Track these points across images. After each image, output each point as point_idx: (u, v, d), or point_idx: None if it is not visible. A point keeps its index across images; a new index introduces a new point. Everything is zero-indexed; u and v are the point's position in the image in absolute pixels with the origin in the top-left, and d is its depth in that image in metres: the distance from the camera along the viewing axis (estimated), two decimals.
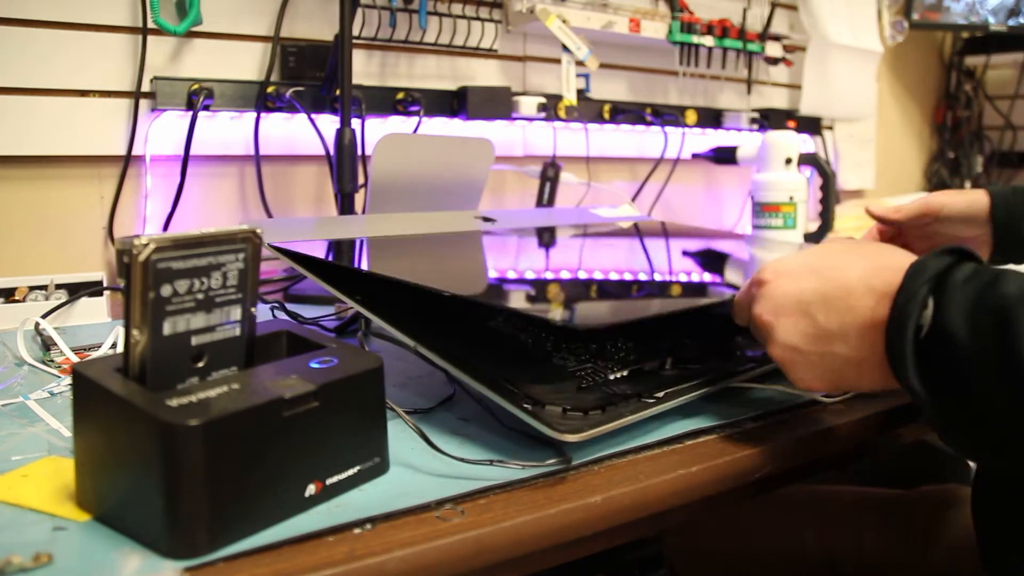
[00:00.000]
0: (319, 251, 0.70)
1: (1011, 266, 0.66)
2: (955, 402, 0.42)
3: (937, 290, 0.43)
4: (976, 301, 0.41)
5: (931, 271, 0.44)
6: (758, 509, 0.80)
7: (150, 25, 0.98)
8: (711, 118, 1.57)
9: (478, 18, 1.25)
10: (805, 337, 0.49)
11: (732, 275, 0.90)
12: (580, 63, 1.27)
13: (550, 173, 1.30)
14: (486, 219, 0.90)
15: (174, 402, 0.39)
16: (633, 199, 1.51)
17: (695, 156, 1.54)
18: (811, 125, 1.70)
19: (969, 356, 0.40)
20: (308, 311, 0.82)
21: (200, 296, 0.42)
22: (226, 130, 1.09)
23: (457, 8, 1.23)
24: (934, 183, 2.09)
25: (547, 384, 0.56)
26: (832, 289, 0.48)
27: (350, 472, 0.45)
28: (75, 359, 0.70)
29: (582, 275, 0.75)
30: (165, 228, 1.04)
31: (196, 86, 1.03)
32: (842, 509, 0.79)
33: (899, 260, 0.47)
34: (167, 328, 0.41)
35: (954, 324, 0.41)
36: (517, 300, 0.65)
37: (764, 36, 1.54)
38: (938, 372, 0.42)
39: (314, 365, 0.45)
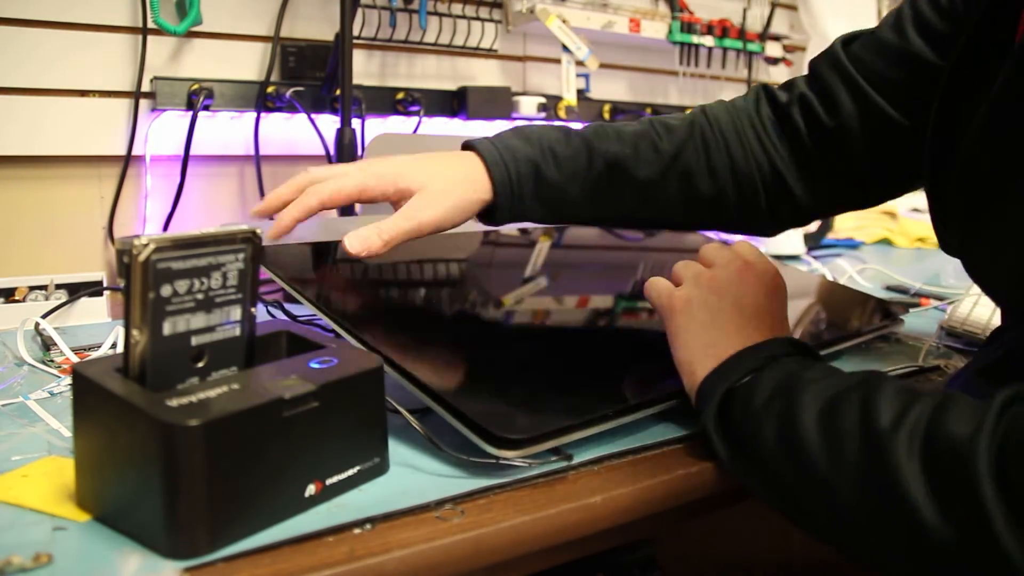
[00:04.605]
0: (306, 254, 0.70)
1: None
2: (741, 443, 0.49)
3: (764, 365, 0.51)
4: (783, 376, 0.49)
5: (766, 352, 0.52)
6: (748, 514, 0.79)
7: (150, 25, 0.98)
8: None
9: (478, 18, 1.25)
10: (705, 304, 0.56)
11: None
12: (580, 63, 1.28)
13: None
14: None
15: (174, 402, 0.39)
16: None
17: None
18: None
19: (759, 410, 0.48)
20: (308, 311, 0.82)
21: (200, 296, 0.42)
22: (226, 130, 1.09)
23: (457, 8, 1.23)
24: None
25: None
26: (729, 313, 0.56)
27: (350, 472, 0.45)
28: (75, 359, 0.70)
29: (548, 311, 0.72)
30: (165, 228, 1.04)
31: (196, 86, 1.03)
32: None
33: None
34: (167, 328, 0.41)
35: (759, 390, 0.49)
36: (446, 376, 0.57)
37: (764, 36, 1.54)
38: (734, 416, 0.50)
39: (314, 365, 0.45)
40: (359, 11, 1.12)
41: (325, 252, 0.72)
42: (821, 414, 0.45)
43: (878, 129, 0.66)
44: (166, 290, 0.41)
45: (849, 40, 0.70)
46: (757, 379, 0.50)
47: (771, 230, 0.76)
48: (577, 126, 1.51)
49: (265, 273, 0.57)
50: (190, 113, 1.01)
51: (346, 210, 0.99)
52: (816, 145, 0.70)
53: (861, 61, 0.67)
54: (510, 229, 0.90)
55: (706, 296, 0.56)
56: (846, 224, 1.61)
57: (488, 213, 0.67)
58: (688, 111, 0.74)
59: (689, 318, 0.56)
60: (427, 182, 0.63)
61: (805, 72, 0.73)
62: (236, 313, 0.44)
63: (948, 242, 0.59)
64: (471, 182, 0.64)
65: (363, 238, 0.60)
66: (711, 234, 0.92)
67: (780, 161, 0.71)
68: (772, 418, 0.47)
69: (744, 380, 0.51)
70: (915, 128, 0.64)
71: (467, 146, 0.67)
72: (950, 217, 0.56)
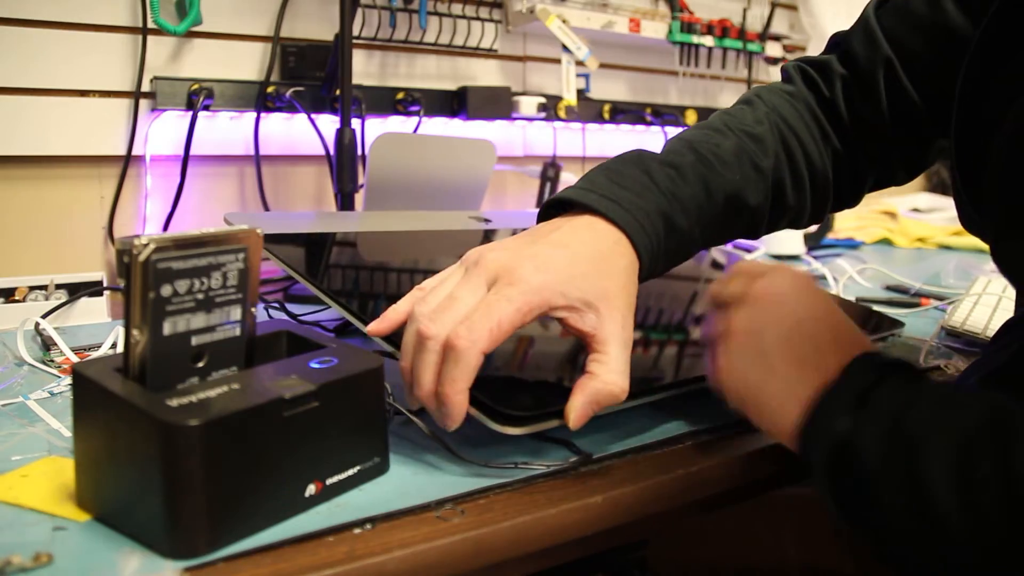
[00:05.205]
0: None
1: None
2: (859, 510, 0.42)
3: (858, 406, 0.42)
4: (891, 422, 0.41)
5: (854, 386, 0.43)
6: (742, 519, 0.78)
7: (150, 25, 0.98)
8: None
9: (478, 18, 1.25)
10: (756, 367, 0.48)
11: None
12: (580, 63, 1.28)
13: (550, 173, 1.30)
14: (482, 219, 0.90)
15: (174, 402, 0.39)
16: None
17: None
18: None
19: (876, 473, 0.41)
20: (308, 311, 0.82)
21: (200, 296, 0.42)
22: (226, 130, 1.09)
23: (457, 8, 1.23)
24: (934, 182, 2.09)
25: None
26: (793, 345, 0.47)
27: (350, 472, 0.45)
28: (75, 359, 0.70)
29: None
30: (165, 228, 1.04)
31: (196, 86, 1.03)
32: (826, 519, 0.77)
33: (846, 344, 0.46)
34: (167, 328, 0.41)
35: (867, 447, 0.41)
36: None
37: (764, 36, 1.54)
38: (847, 483, 0.42)
39: (314, 365, 0.45)
40: (359, 11, 1.12)
41: (324, 242, 0.72)
42: (951, 469, 0.38)
43: (908, 113, 0.64)
44: (166, 290, 0.41)
45: (880, 3, 0.66)
46: (859, 431, 0.42)
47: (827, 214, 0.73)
48: (578, 127, 1.51)
49: (266, 273, 0.57)
50: (190, 113, 1.01)
51: (345, 204, 0.99)
52: (858, 132, 0.67)
53: (897, 41, 0.63)
54: (507, 228, 0.90)
55: (763, 331, 0.48)
56: (846, 224, 1.61)
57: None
58: (756, 107, 0.67)
59: (747, 361, 0.48)
60: (597, 296, 0.48)
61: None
62: (236, 313, 0.44)
63: (978, 225, 0.55)
64: (630, 267, 0.52)
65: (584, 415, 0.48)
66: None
67: (844, 152, 0.68)
68: (893, 481, 0.40)
69: (843, 432, 0.42)
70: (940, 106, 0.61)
71: (571, 204, 0.54)
72: (987, 213, 0.53)
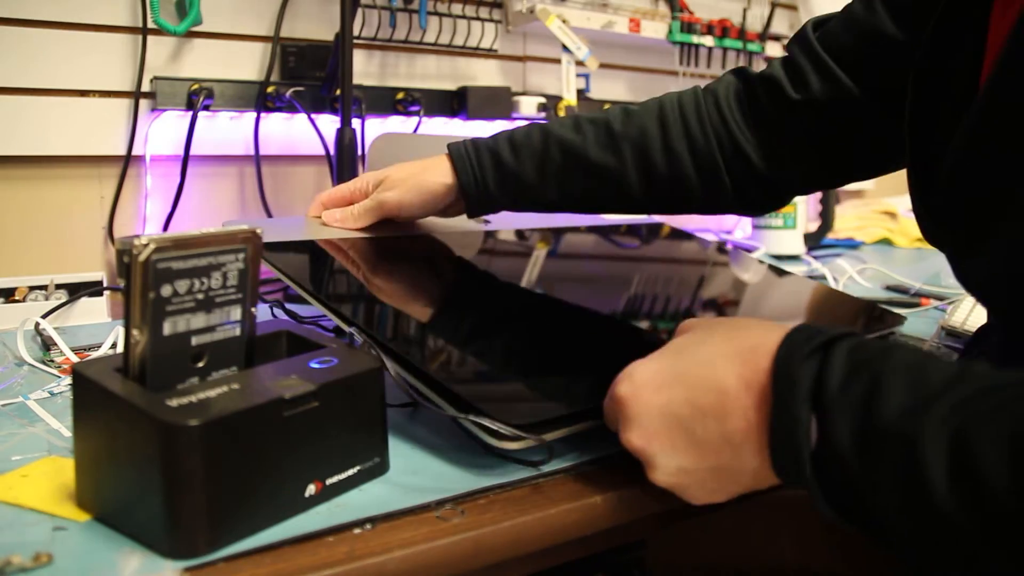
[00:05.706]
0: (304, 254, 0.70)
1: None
2: (864, 521, 0.38)
3: (816, 406, 0.38)
4: (861, 425, 0.36)
5: (804, 385, 0.38)
6: (739, 520, 0.77)
7: (150, 25, 0.99)
8: None
9: (478, 18, 1.25)
10: (688, 456, 0.43)
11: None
12: (580, 63, 1.28)
13: None
14: (482, 220, 0.90)
15: (174, 402, 0.39)
16: None
17: None
18: None
19: (868, 485, 0.36)
20: (308, 311, 0.82)
21: (200, 296, 0.42)
22: (226, 130, 1.09)
23: (457, 8, 1.23)
24: None
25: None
26: (703, 395, 0.42)
27: (350, 472, 0.45)
28: (75, 359, 0.70)
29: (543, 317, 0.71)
30: (165, 228, 1.04)
31: (196, 86, 1.03)
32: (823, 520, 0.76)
33: (764, 336, 0.42)
34: (167, 328, 0.41)
35: (846, 452, 0.37)
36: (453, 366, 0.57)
37: (764, 36, 1.54)
38: (840, 492, 0.38)
39: (314, 365, 0.45)
40: (359, 11, 1.12)
41: (323, 251, 0.72)
42: (949, 460, 0.33)
43: (843, 107, 0.65)
44: (166, 290, 0.41)
45: (822, 21, 0.69)
46: (831, 437, 0.37)
47: (742, 210, 0.75)
48: None
49: (266, 273, 0.57)
50: (190, 113, 1.01)
51: None
52: (781, 123, 0.69)
53: (829, 37, 0.66)
54: (507, 228, 0.90)
55: (663, 412, 0.43)
56: (846, 224, 1.61)
57: (467, 205, 0.75)
58: (658, 97, 0.75)
59: (680, 437, 0.43)
60: (391, 172, 0.75)
61: None
62: (236, 313, 0.44)
63: (940, 241, 0.55)
64: (433, 170, 0.74)
65: (341, 218, 0.77)
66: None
67: (744, 139, 0.70)
68: (884, 479, 0.36)
69: (808, 436, 0.38)
70: (881, 107, 0.63)
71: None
72: (947, 231, 0.53)
